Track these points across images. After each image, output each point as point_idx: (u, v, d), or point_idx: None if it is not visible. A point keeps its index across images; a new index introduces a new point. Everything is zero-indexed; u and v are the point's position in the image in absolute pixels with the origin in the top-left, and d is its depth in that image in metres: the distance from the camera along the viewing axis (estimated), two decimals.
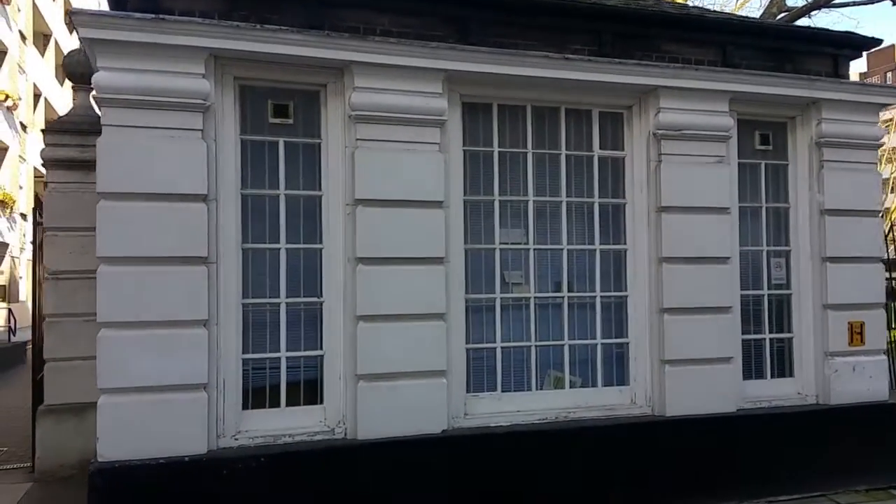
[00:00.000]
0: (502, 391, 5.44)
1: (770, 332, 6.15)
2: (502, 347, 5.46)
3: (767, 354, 6.13)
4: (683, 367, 5.62)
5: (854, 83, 6.23)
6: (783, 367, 6.20)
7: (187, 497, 4.48)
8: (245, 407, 4.86)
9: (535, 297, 5.56)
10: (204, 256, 4.62)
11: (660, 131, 5.64)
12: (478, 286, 5.46)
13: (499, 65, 5.18)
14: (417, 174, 5.05)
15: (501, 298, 5.48)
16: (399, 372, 4.97)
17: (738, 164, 6.05)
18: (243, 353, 4.85)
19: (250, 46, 4.68)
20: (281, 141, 5.00)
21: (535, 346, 5.54)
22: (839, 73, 6.41)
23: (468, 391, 5.34)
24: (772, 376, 6.13)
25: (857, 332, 6.16)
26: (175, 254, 4.56)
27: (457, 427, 5.18)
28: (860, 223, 6.17)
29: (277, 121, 5.01)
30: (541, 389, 5.57)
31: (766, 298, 6.16)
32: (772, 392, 6.05)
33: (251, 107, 4.98)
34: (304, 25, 4.87)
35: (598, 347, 5.69)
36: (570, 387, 5.62)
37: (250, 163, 4.98)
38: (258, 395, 4.94)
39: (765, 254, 6.19)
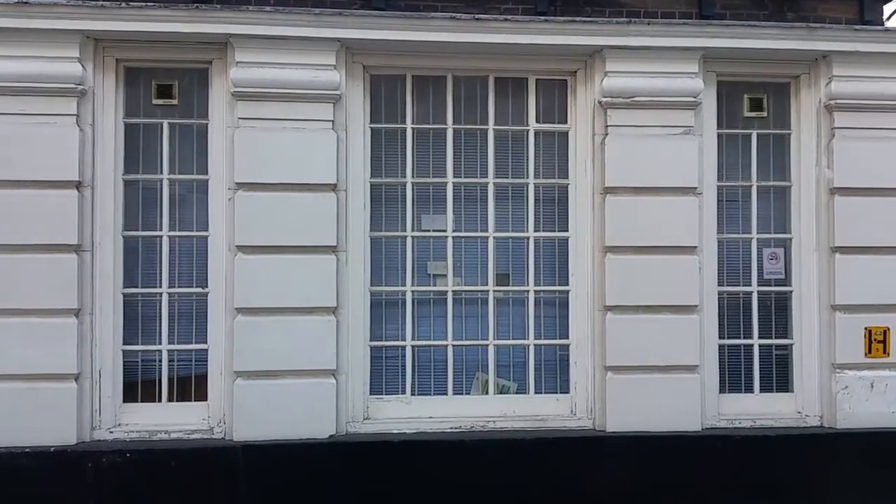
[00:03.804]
0: (412, 394, 4.90)
1: (760, 337, 5.09)
2: (413, 346, 4.92)
3: (756, 364, 5.08)
4: (630, 376, 4.78)
5: (875, 30, 4.97)
6: (781, 380, 5.12)
7: (46, 489, 4.39)
8: (128, 399, 4.71)
9: (452, 292, 4.94)
10: (75, 244, 4.50)
11: (605, 99, 4.80)
12: (391, 278, 4.95)
13: (396, 30, 4.63)
14: (304, 155, 4.63)
15: (413, 292, 4.93)
16: (279, 370, 4.59)
17: (719, 134, 5.05)
18: (124, 344, 4.70)
19: (118, 26, 4.49)
20: (165, 123, 4.77)
21: (453, 345, 4.93)
22: (866, 19, 5.14)
23: (371, 393, 4.86)
24: (762, 390, 5.08)
25: (877, 341, 4.95)
26: (44, 241, 4.47)
27: (351, 433, 4.72)
28: (885, 204, 4.95)
29: (161, 102, 4.79)
30: (465, 394, 4.96)
31: (755, 297, 5.09)
32: (759, 409, 5.00)
33: (137, 89, 4.79)
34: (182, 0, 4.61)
35: (531, 349, 4.97)
36: (498, 392, 4.96)
37: (141, 147, 4.80)
38: (145, 388, 4.77)
39: (755, 243, 5.12)
